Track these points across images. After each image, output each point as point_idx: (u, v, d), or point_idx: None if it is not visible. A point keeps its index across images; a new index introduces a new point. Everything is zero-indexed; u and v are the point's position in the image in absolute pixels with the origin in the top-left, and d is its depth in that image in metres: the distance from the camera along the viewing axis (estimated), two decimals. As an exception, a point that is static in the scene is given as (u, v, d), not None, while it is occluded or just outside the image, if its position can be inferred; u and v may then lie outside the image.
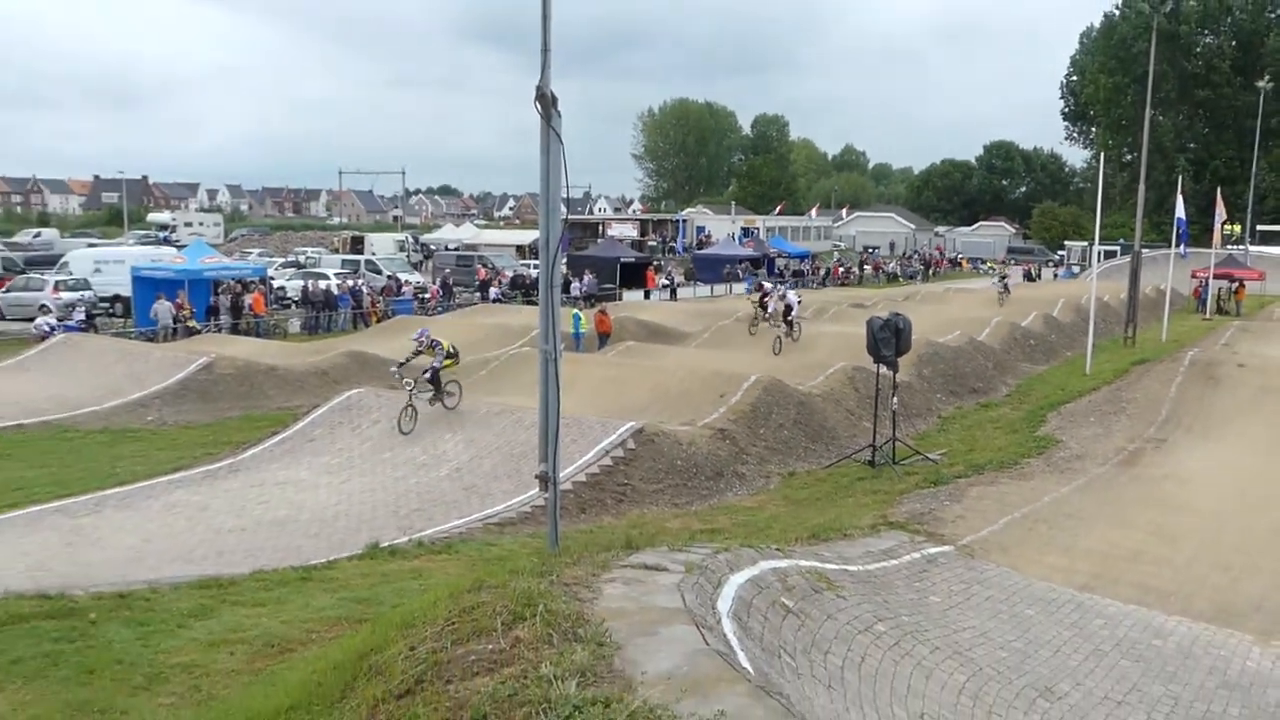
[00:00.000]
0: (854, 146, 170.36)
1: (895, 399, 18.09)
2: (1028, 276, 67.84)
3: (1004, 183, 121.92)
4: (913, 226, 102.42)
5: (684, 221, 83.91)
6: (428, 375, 19.02)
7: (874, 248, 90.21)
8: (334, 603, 9.61)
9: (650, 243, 76.31)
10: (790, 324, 28.94)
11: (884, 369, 17.75)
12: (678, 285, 54.14)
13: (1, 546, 13.37)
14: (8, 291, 38.56)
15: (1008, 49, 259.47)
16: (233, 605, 9.57)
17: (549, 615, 4.79)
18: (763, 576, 7.72)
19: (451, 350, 19.71)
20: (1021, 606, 10.12)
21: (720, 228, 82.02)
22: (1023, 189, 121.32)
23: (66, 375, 25.46)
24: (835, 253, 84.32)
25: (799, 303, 30.39)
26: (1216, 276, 44.17)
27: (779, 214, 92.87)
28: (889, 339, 17.32)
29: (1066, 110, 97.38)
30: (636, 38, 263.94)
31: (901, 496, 14.60)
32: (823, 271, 67.85)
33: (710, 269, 60.59)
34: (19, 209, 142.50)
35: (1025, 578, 11.01)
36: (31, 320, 32.94)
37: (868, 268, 72.77)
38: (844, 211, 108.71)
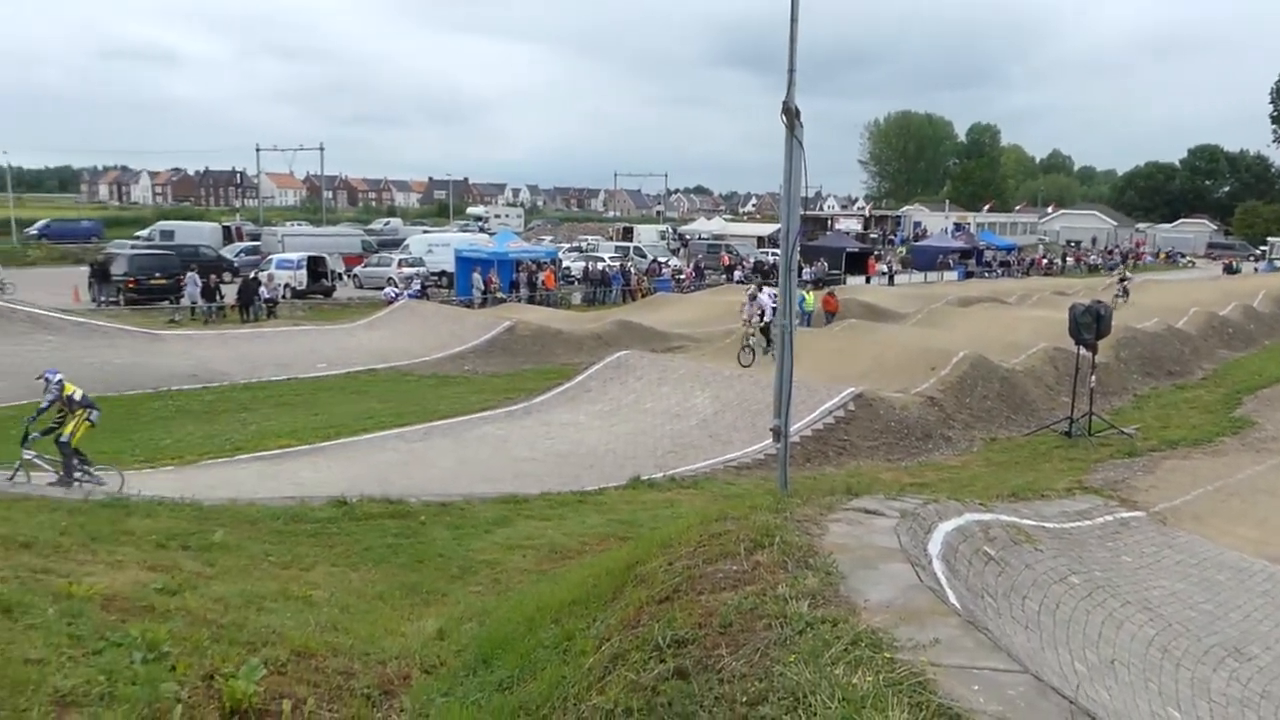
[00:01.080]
0: (1060, 151, 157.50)
1: (1094, 377, 16.73)
2: (1228, 269, 61.09)
3: (1207, 183, 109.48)
4: (1114, 223, 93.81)
5: (903, 217, 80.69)
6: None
7: (1076, 241, 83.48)
8: (603, 522, 9.86)
9: (872, 235, 73.76)
10: (768, 333, 20.49)
11: (1083, 350, 16.45)
12: (895, 272, 52.19)
13: (357, 461, 14.58)
14: (365, 266, 41.59)
15: (1215, 58, 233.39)
16: (525, 518, 9.99)
17: (784, 545, 4.72)
18: (967, 526, 7.32)
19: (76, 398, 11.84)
20: (1212, 572, 9.15)
21: (935, 222, 78.27)
22: (1226, 189, 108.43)
23: (406, 332, 27.35)
24: (1040, 245, 78.71)
25: (774, 308, 20.28)
26: None
27: (988, 211, 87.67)
28: (1090, 324, 16.03)
29: (1276, 114, 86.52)
30: (864, 59, 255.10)
31: (1096, 465, 13.50)
32: (1027, 262, 63.59)
33: (925, 258, 58.01)
34: (374, 203, 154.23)
35: (1217, 546, 9.93)
36: (381, 289, 35.54)
37: (1070, 260, 67.53)
38: (1049, 209, 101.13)
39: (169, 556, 6.81)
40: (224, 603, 5.63)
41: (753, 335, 20.68)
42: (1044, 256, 67.26)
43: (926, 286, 47.37)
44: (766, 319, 20.23)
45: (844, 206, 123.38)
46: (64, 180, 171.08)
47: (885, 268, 52.38)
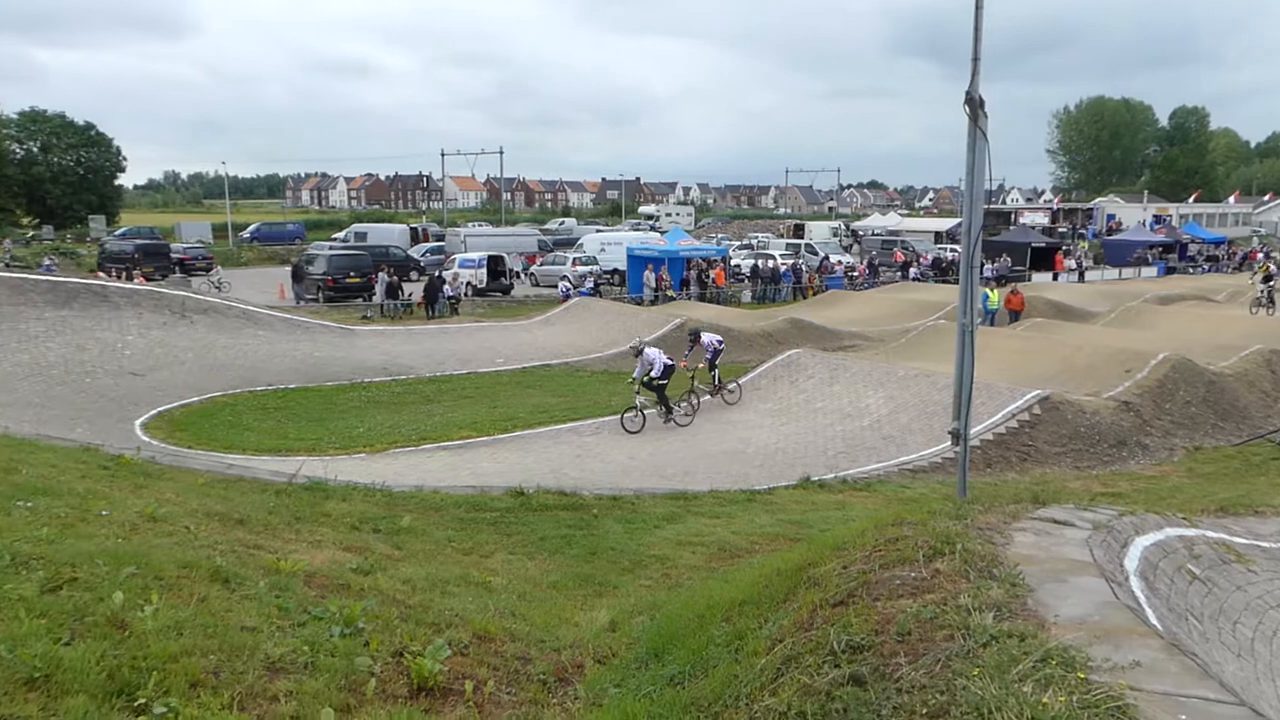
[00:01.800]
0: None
1: (1322, 383, 15.17)
2: None
3: None
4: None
5: (1095, 209, 75.71)
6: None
7: (1299, 233, 75.86)
8: (773, 522, 9.76)
9: (1060, 229, 69.66)
10: (718, 381, 18.48)
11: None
12: (1086, 268, 49.08)
13: (533, 453, 15.07)
14: (541, 265, 43.00)
15: None
16: (695, 515, 10.02)
17: (966, 553, 4.52)
18: (1168, 542, 6.78)
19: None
20: None
21: (1131, 215, 73.02)
22: None
23: (579, 329, 28.05)
24: (1254, 238, 72.01)
25: (721, 348, 18.70)
26: None
27: (1194, 201, 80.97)
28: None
29: None
30: (1054, 41, 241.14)
31: (1323, 480, 12.26)
32: (1239, 256, 58.30)
33: (1120, 253, 54.23)
34: (549, 203, 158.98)
35: None
36: (555, 286, 36.60)
37: (1290, 253, 61.47)
38: (1266, 198, 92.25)
39: (362, 538, 7.25)
40: (411, 584, 5.94)
41: (641, 397, 16.96)
42: (1260, 250, 61.49)
43: (1121, 283, 44.36)
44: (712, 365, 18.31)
45: (1029, 199, 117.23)
46: (272, 187, 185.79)
47: (1074, 263, 49.39)
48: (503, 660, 4.73)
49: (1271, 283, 29.92)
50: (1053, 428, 15.28)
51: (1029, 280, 42.57)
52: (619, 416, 16.61)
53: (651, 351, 17.29)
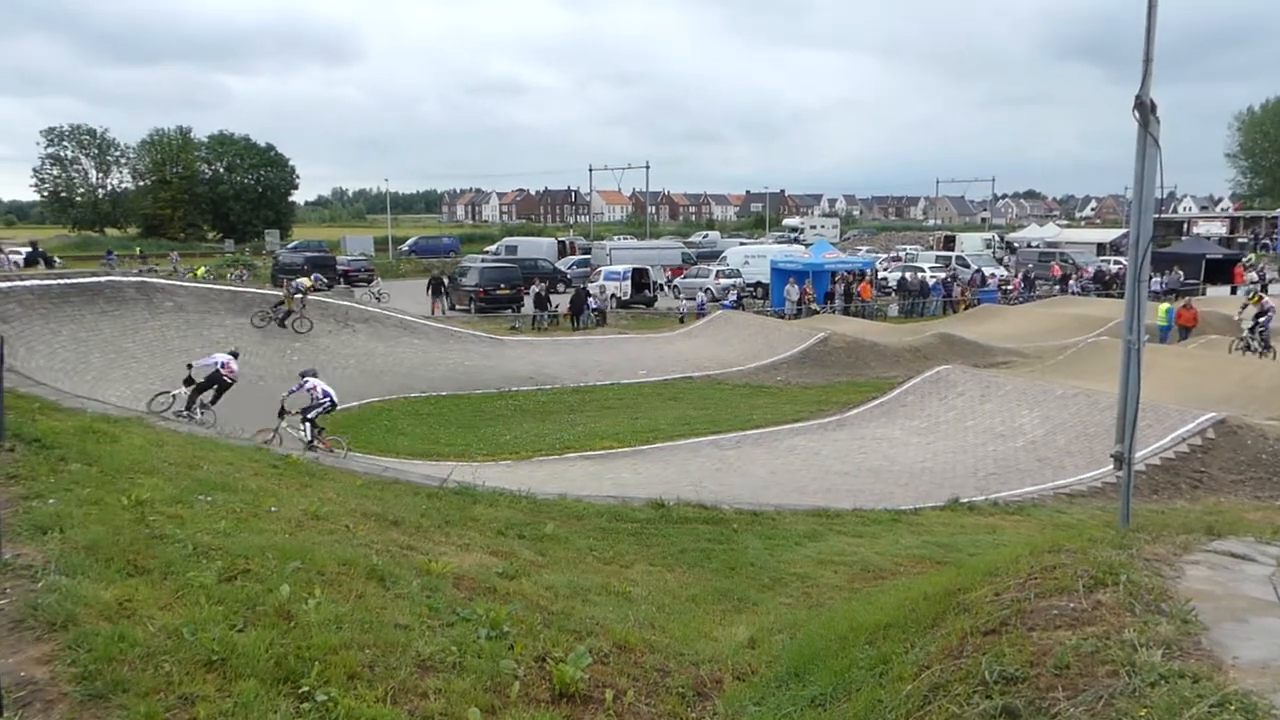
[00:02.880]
0: None
1: None
2: None
3: None
4: None
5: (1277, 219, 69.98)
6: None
7: None
8: (918, 544, 9.44)
9: (1240, 240, 64.73)
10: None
11: None
12: (1270, 281, 45.41)
13: (673, 465, 15.12)
14: (685, 278, 43.18)
15: None
16: (837, 533, 9.79)
17: (1131, 585, 4.23)
18: (1365, 583, 6.17)
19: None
20: None
21: (1323, 225, 67.20)
22: None
23: (721, 342, 28.02)
24: None
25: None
26: None
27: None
28: None
29: None
30: (1236, 37, 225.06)
31: None
32: None
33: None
34: (693, 216, 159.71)
35: None
36: (694, 299, 36.69)
37: None
38: None
39: (507, 544, 7.45)
40: (554, 591, 6.06)
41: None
42: None
43: (1311, 299, 40.83)
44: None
45: (1204, 208, 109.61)
46: (429, 202, 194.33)
47: (1256, 276, 45.80)
48: (642, 671, 4.76)
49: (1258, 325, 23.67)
50: (1229, 454, 14.19)
51: (1203, 294, 39.78)
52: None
53: (314, 381, 15.08)
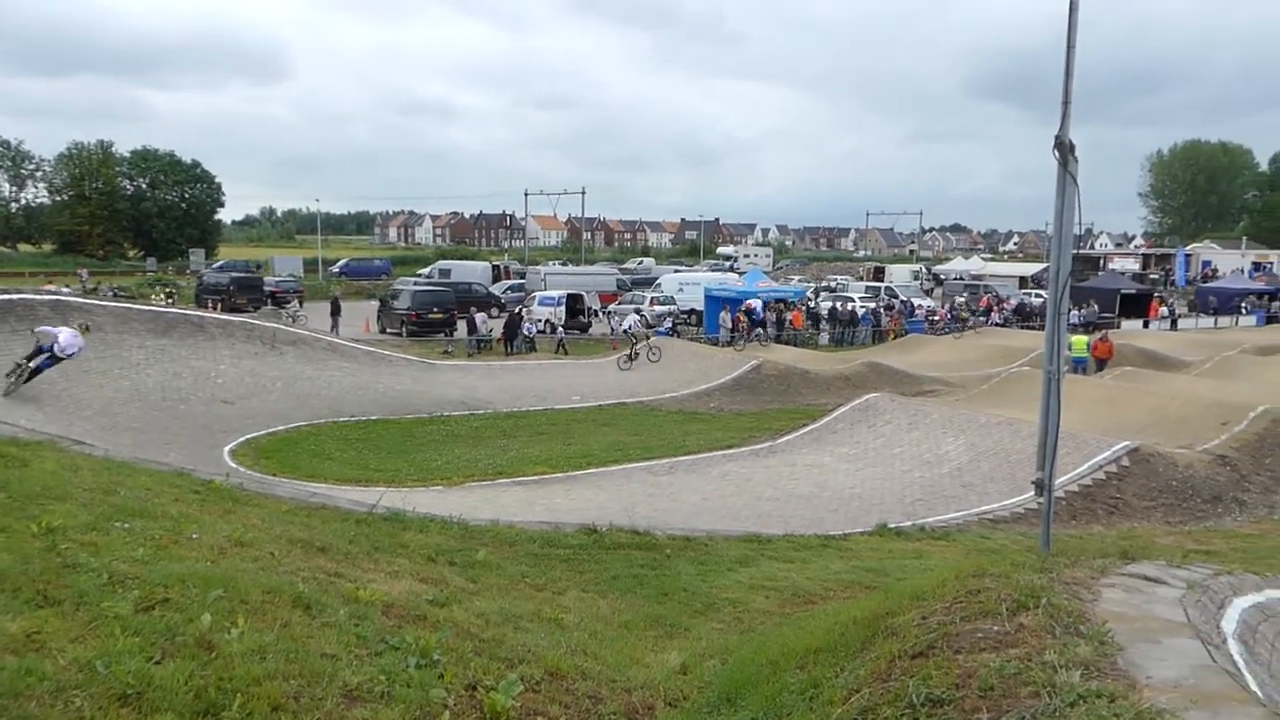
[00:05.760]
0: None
1: None
2: None
3: None
4: None
5: (1186, 256, 73.21)
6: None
7: None
8: (848, 569, 9.56)
9: (1152, 276, 67.53)
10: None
11: None
12: (1179, 316, 47.44)
13: (606, 491, 15.09)
14: (620, 304, 43.27)
15: None
16: (768, 559, 9.86)
17: (1051, 608, 4.36)
18: (1269, 604, 6.42)
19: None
20: None
21: (1228, 262, 70.52)
22: None
23: (655, 368, 28.14)
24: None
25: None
26: None
27: (1299, 248, 77.79)
28: None
29: None
30: (1149, 83, 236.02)
31: None
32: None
33: (1217, 301, 52.22)
34: (629, 243, 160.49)
35: None
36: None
37: None
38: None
39: (438, 570, 7.33)
40: (485, 618, 5.98)
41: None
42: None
43: (1217, 332, 42.72)
44: None
45: (1118, 244, 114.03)
46: (361, 224, 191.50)
47: (1167, 310, 47.80)
48: (574, 698, 4.72)
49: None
50: (1142, 481, 14.73)
51: (1118, 327, 41.32)
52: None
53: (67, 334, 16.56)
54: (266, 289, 45.43)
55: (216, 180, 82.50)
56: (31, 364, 16.39)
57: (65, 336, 16.52)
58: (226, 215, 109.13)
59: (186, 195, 79.98)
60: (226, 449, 17.18)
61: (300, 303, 43.30)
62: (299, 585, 5.34)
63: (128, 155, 79.55)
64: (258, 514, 7.99)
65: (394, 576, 6.67)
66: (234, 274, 48.20)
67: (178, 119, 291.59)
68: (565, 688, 4.82)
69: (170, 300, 36.69)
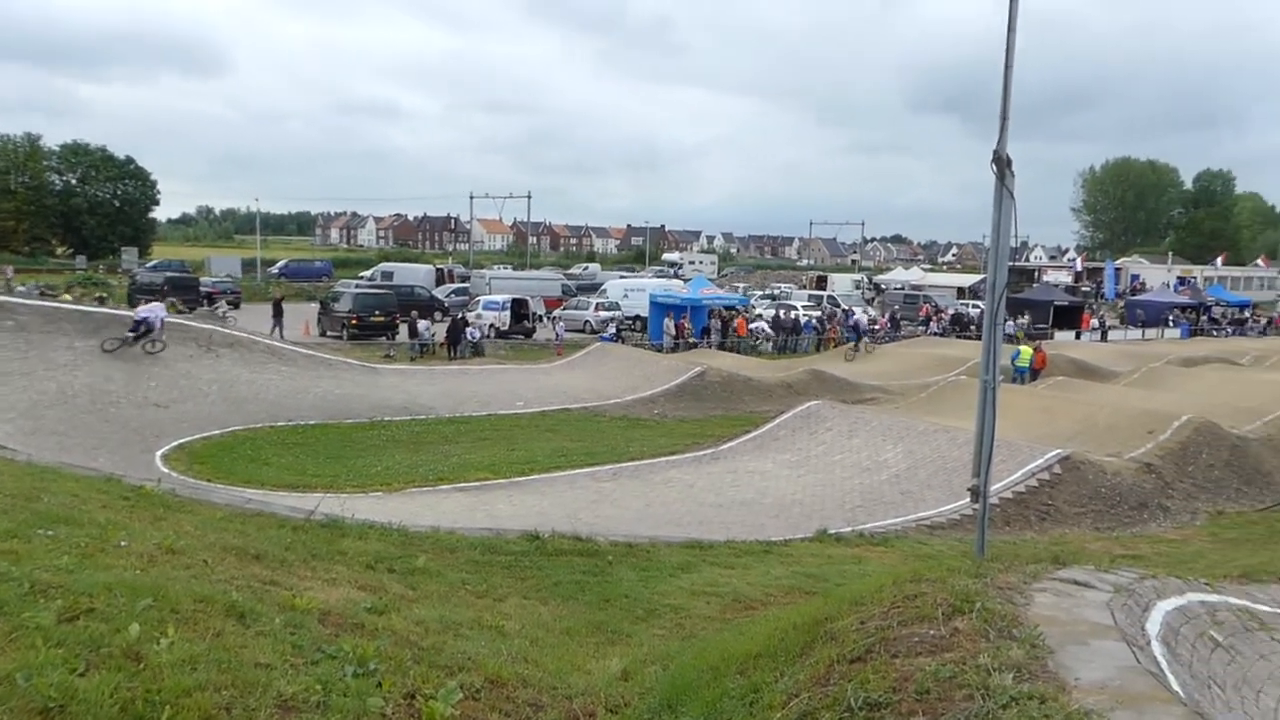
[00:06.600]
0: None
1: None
2: None
3: None
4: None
5: (1116, 269, 75.53)
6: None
7: (1327, 299, 75.06)
8: (789, 574, 9.66)
9: (1084, 288, 69.50)
10: None
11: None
12: (1109, 328, 48.93)
13: (549, 497, 15.03)
14: (564, 309, 43.21)
15: None
16: (710, 565, 9.91)
17: (986, 613, 4.46)
18: (1190, 607, 6.64)
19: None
20: None
21: (1155, 276, 73.00)
22: None
23: (600, 374, 28.10)
24: (1280, 303, 71.43)
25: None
26: None
27: (1221, 264, 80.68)
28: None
29: None
30: (1080, 101, 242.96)
31: (1353, 550, 12.01)
32: (1264, 321, 57.86)
33: (1144, 314, 54.00)
34: (574, 248, 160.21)
35: None
36: (579, 330, 36.71)
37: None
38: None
39: (376, 578, 7.23)
40: (425, 626, 5.91)
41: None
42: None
43: (1144, 344, 44.13)
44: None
45: (1052, 257, 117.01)
46: (302, 225, 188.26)
47: (1097, 322, 49.25)
48: (514, 706, 4.68)
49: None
50: (1073, 488, 15.12)
51: (1052, 338, 42.41)
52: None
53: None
54: (203, 289, 44.40)
55: (151, 177, 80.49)
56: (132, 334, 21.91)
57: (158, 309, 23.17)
58: (162, 213, 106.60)
59: (119, 192, 77.80)
60: (159, 454, 16.74)
61: (238, 304, 42.32)
62: (233, 594, 5.22)
63: (56, 149, 77.20)
64: (190, 521, 7.79)
65: (331, 584, 6.56)
66: (168, 273, 47.01)
67: (110, 113, 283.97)
68: (506, 695, 4.78)
69: (100, 300, 35.56)
